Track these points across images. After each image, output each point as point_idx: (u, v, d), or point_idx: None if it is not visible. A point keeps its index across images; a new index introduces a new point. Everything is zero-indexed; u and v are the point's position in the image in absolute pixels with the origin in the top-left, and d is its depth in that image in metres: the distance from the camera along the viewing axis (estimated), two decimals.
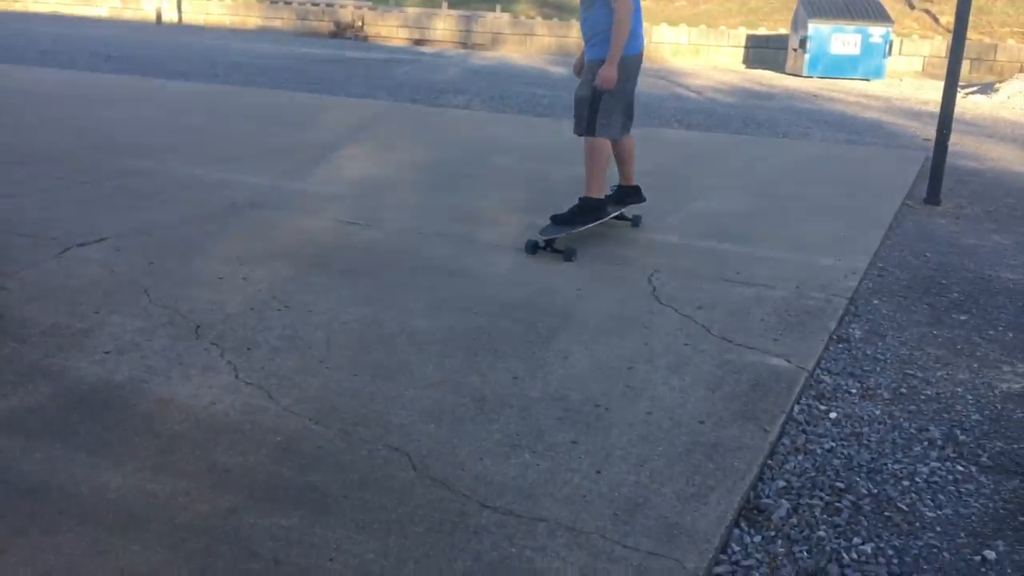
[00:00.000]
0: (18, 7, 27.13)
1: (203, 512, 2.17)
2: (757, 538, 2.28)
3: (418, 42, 22.20)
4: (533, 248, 4.48)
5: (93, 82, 11.00)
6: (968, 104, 13.07)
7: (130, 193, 5.28)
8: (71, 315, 3.34)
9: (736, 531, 2.29)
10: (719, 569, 2.14)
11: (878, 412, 3.03)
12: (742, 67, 19.35)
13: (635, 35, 4.52)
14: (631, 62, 4.56)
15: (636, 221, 5.15)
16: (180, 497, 2.22)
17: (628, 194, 5.10)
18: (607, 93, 4.47)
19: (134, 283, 3.73)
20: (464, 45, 21.87)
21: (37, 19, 23.58)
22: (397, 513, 2.22)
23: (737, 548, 2.23)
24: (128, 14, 25.97)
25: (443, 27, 22.25)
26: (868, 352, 3.55)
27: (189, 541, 2.05)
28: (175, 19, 25.19)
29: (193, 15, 25.19)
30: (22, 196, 5.05)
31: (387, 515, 2.21)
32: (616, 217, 4.99)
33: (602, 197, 4.69)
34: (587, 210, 4.65)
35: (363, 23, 22.93)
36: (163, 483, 2.28)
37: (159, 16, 24.82)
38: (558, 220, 4.62)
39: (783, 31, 19.48)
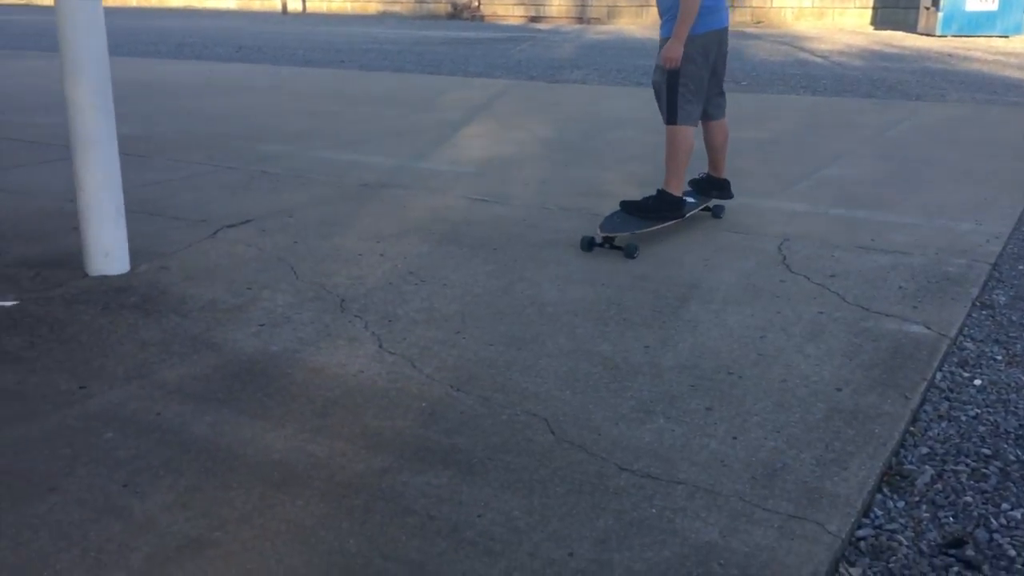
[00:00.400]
0: (154, 3, 28.55)
1: (359, 471, 2.31)
2: (900, 503, 2.26)
3: (534, 19, 22.22)
4: (589, 245, 4.04)
5: (226, 72, 11.52)
6: None
7: (269, 177, 5.56)
8: (226, 291, 3.57)
9: (879, 496, 2.28)
10: (862, 532, 2.14)
11: None
12: (870, 28, 18.56)
13: (713, 11, 4.09)
14: (708, 40, 4.13)
15: (717, 212, 4.62)
16: (337, 457, 2.37)
17: (715, 186, 4.62)
18: (684, 75, 4.09)
19: (281, 261, 3.95)
20: (579, 20, 21.77)
21: (171, 14, 24.78)
22: (539, 474, 2.31)
23: (880, 512, 2.22)
24: (255, 5, 26.96)
25: (558, 3, 22.20)
26: (1014, 318, 3.43)
27: (348, 497, 2.19)
28: (299, 8, 25.99)
29: (317, 3, 25.93)
30: (172, 182, 5.39)
31: (529, 476, 2.30)
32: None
33: (680, 195, 4.27)
34: (662, 205, 4.23)
35: (479, 3, 23.11)
36: (321, 444, 2.44)
37: (284, 6, 25.66)
38: (628, 209, 4.24)
39: None
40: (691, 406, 2.67)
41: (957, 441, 2.55)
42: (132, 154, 6.03)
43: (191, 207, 4.81)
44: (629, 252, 3.97)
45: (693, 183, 4.62)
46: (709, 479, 2.28)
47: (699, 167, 4.74)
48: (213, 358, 2.97)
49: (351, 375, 2.86)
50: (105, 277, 3.67)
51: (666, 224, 4.23)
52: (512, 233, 4.40)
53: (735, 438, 2.48)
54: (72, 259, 3.84)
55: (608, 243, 4.05)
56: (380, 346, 3.09)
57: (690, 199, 4.47)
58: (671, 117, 4.18)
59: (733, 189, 4.69)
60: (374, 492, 2.22)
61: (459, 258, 4.02)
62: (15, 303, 3.37)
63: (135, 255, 3.84)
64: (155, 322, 3.25)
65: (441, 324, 3.28)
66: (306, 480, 2.27)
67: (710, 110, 4.40)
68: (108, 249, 3.68)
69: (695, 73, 4.14)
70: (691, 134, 4.21)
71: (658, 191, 4.26)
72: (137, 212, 4.48)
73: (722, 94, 4.45)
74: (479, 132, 7.21)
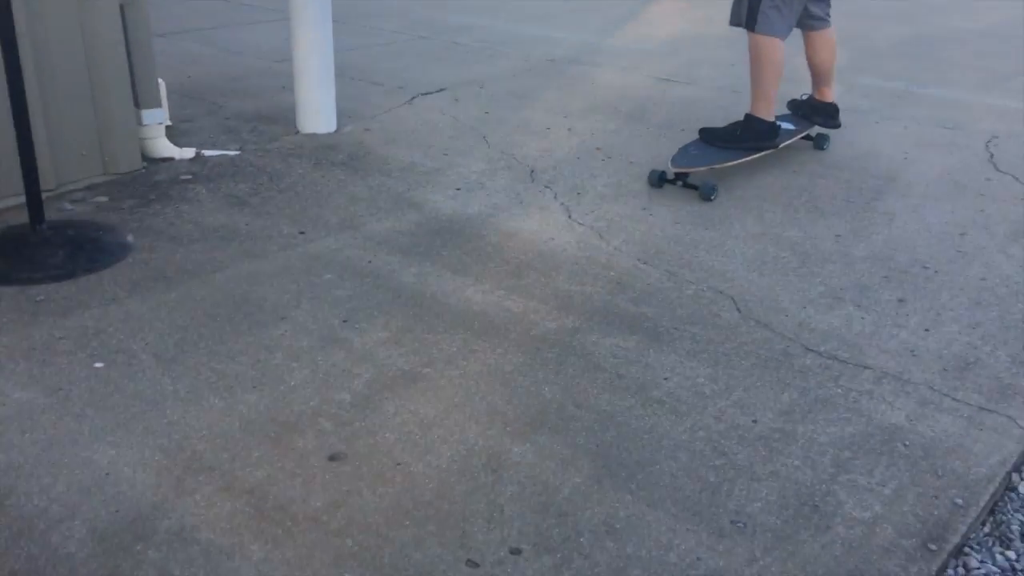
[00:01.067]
0: None
1: (552, 328, 2.46)
2: None
3: None
4: (659, 180, 3.46)
5: None
6: None
7: (461, 48, 5.67)
8: (424, 156, 3.75)
9: None
10: None
11: None
12: None
13: None
14: None
15: (820, 142, 3.91)
16: (531, 315, 2.53)
17: (818, 111, 3.88)
18: None
19: (473, 130, 4.09)
20: None
21: None
22: (724, 347, 2.39)
23: None
24: None
25: None
26: None
27: (543, 350, 2.35)
28: None
29: None
30: (370, 48, 5.59)
31: (715, 348, 2.38)
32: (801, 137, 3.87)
33: (771, 119, 3.59)
34: (749, 133, 3.58)
35: None
36: (516, 302, 2.60)
37: None
38: (708, 138, 3.63)
39: None
40: (883, 296, 2.65)
41: None
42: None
43: (389, 73, 5.00)
44: (705, 193, 3.34)
45: (792, 104, 4.00)
46: (898, 367, 2.30)
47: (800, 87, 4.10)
48: (415, 215, 3.16)
49: (542, 241, 2.99)
50: (315, 135, 3.92)
51: (754, 156, 3.57)
52: (699, 115, 4.36)
53: (927, 330, 2.47)
54: (284, 116, 4.11)
55: (681, 180, 3.43)
56: (569, 216, 3.19)
57: (786, 124, 3.80)
58: (749, 21, 3.46)
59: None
60: (566, 348, 2.36)
61: (646, 137, 4.04)
62: (238, 152, 3.67)
63: (340, 116, 4.07)
64: (361, 179, 3.47)
65: (628, 200, 3.35)
66: (504, 332, 2.44)
67: (809, 20, 3.65)
68: (318, 108, 3.91)
69: None
70: (778, 47, 3.47)
71: (745, 116, 3.61)
72: (340, 76, 4.68)
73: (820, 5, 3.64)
74: (666, 11, 7.03)
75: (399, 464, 1.89)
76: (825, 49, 3.73)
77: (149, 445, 1.91)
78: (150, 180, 3.36)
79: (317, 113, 3.92)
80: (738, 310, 2.58)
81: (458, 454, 1.93)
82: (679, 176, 3.43)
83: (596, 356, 2.33)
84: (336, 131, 3.98)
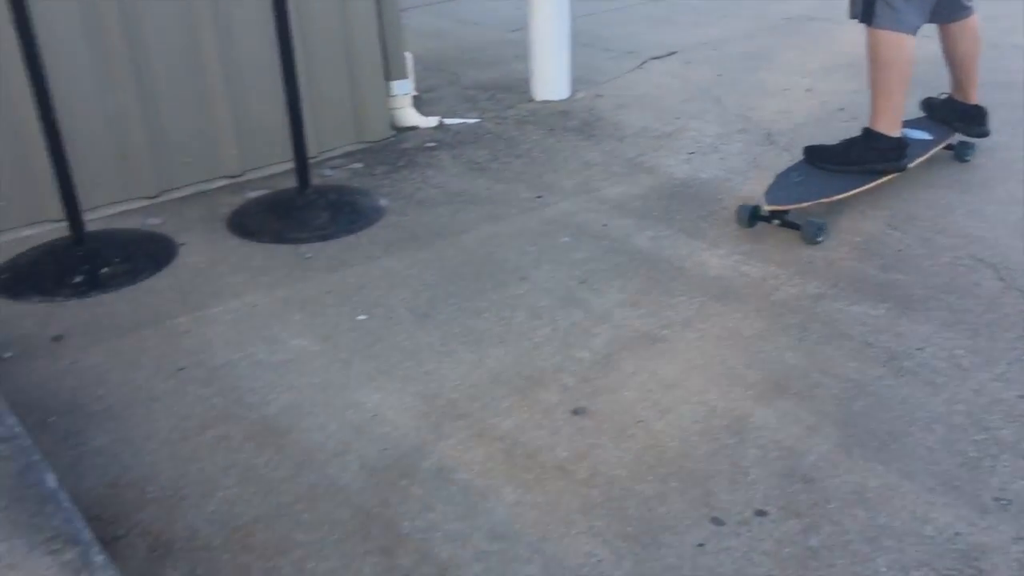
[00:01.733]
0: None
1: (793, 294, 2.40)
2: None
3: None
4: (750, 219, 2.77)
5: None
6: None
7: (692, 10, 5.57)
8: (656, 120, 3.74)
9: None
10: None
11: None
12: None
13: None
14: None
15: (962, 153, 3.18)
16: (770, 280, 2.48)
17: (960, 115, 3.16)
18: None
19: (706, 92, 4.02)
20: None
21: None
22: (985, 318, 2.24)
23: None
24: None
25: None
26: None
27: (784, 316, 2.30)
28: None
29: None
30: (600, 14, 5.60)
31: (974, 318, 2.24)
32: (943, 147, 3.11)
33: (897, 134, 2.86)
34: (869, 154, 2.86)
35: None
36: (754, 266, 2.55)
37: None
38: (814, 158, 2.94)
39: None
40: None
41: None
42: None
43: (619, 39, 5.00)
44: (810, 235, 2.67)
45: (927, 105, 3.29)
46: None
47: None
48: (648, 180, 3.17)
49: None
50: (548, 102, 4.00)
51: (878, 182, 2.85)
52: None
53: None
54: (518, 84, 4.22)
55: (778, 218, 2.74)
56: None
57: (919, 134, 3.08)
58: (867, 14, 2.77)
59: None
60: (808, 314, 2.30)
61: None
62: (477, 121, 3.82)
63: (572, 83, 4.12)
64: (594, 144, 3.52)
65: None
66: (742, 296, 2.41)
67: (947, 9, 2.94)
68: (552, 76, 3.99)
69: None
70: (904, 45, 2.76)
71: (864, 131, 2.91)
72: (571, 43, 4.75)
73: None
74: None
75: (640, 421, 1.93)
76: (967, 39, 3.04)
77: (409, 392, 2.06)
78: (398, 147, 3.57)
79: (551, 81, 4.00)
80: (1000, 279, 2.40)
81: (699, 415, 1.94)
82: (775, 215, 2.74)
83: (842, 324, 2.26)
84: (569, 98, 4.05)
